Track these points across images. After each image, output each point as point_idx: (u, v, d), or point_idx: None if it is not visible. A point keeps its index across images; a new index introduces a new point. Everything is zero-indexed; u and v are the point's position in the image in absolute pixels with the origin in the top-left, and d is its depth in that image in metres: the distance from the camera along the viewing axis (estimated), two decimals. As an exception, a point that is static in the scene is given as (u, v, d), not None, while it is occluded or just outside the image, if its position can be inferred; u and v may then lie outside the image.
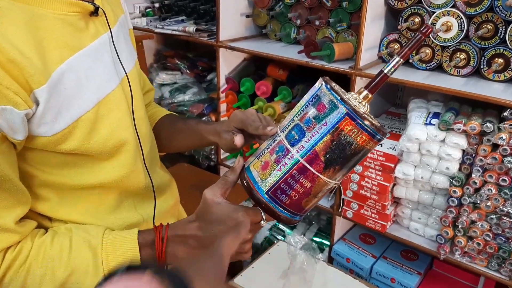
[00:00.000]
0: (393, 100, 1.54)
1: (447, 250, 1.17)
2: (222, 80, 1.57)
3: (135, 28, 1.74)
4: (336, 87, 0.54)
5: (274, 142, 0.58)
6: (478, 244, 1.12)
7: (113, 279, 0.34)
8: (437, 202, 1.18)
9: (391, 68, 0.54)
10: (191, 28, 1.53)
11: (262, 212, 0.60)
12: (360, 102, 0.53)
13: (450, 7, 1.11)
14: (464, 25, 1.10)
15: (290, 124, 0.56)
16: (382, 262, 1.41)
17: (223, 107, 1.62)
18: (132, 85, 0.70)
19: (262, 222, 0.60)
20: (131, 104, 0.70)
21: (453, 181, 1.10)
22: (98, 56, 0.64)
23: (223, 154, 1.70)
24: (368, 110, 0.54)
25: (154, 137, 0.82)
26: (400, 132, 1.29)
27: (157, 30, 1.63)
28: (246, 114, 0.68)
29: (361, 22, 1.13)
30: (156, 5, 1.85)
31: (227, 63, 1.57)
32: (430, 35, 1.14)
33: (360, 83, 1.22)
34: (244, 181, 0.60)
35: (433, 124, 1.10)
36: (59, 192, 0.65)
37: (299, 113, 0.55)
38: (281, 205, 0.56)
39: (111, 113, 0.65)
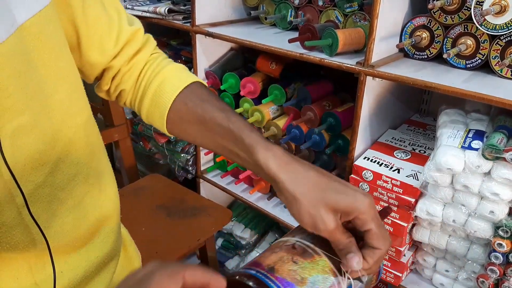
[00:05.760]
0: (417, 105, 1.19)
1: (484, 322, 0.85)
2: (201, 75, 1.26)
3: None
4: None
5: None
6: (532, 320, 0.79)
7: None
8: (473, 254, 0.85)
9: None
10: (162, 8, 1.22)
11: None
12: None
13: (507, -21, 0.76)
14: (527, 5, 0.75)
15: None
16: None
17: (203, 107, 1.31)
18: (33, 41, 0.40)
19: None
20: None
21: (499, 231, 0.77)
22: None
23: (204, 165, 1.40)
24: None
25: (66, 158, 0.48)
26: (425, 152, 0.95)
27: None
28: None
29: (374, 0, 0.80)
30: (134, -20, 1.55)
31: (208, 53, 1.25)
32: (474, 19, 0.80)
33: (373, 85, 0.89)
34: None
35: (475, 149, 0.76)
36: None
37: None
38: None
39: None
